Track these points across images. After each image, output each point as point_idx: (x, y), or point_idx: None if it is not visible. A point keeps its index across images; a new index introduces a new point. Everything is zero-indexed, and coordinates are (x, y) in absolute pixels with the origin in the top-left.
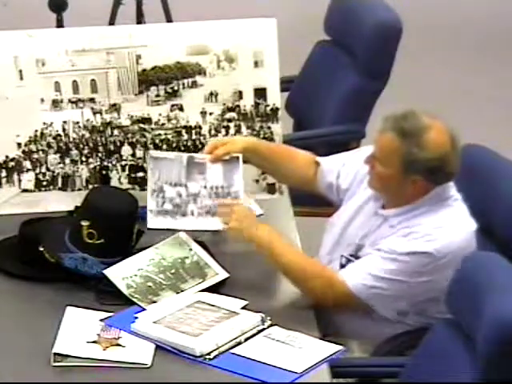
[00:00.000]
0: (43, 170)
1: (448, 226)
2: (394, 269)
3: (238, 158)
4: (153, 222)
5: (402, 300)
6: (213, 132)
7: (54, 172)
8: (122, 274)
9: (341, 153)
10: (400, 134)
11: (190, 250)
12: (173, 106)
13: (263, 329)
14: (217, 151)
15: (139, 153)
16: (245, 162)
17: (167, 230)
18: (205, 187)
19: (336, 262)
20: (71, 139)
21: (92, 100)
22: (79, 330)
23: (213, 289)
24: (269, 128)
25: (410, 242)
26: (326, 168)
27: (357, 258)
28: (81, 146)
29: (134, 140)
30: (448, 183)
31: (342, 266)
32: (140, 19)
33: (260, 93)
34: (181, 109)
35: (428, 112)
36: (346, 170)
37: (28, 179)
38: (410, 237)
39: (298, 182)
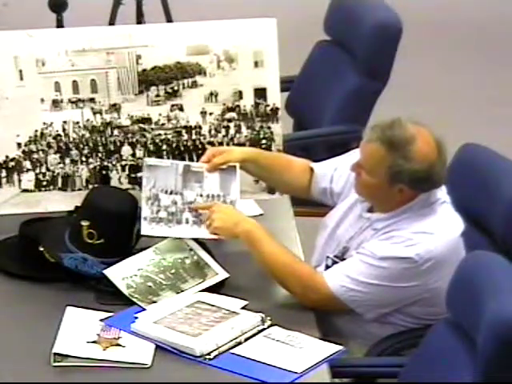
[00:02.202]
0: (43, 169)
1: (431, 231)
2: (374, 273)
3: (235, 167)
4: (147, 229)
5: (384, 304)
6: (213, 132)
7: (54, 172)
8: (122, 273)
9: (340, 153)
10: (386, 145)
11: (190, 250)
12: (173, 105)
13: (263, 329)
14: (215, 160)
15: (139, 153)
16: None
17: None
18: (201, 196)
19: (325, 262)
20: (71, 139)
21: (92, 100)
22: (79, 330)
23: (213, 289)
24: (269, 128)
25: (391, 246)
26: (320, 173)
27: (342, 259)
28: (81, 145)
29: (134, 140)
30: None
31: (328, 267)
32: (140, 19)
33: (260, 93)
34: (181, 109)
35: (414, 119)
36: (339, 174)
37: (28, 179)
38: (392, 241)
39: (294, 191)
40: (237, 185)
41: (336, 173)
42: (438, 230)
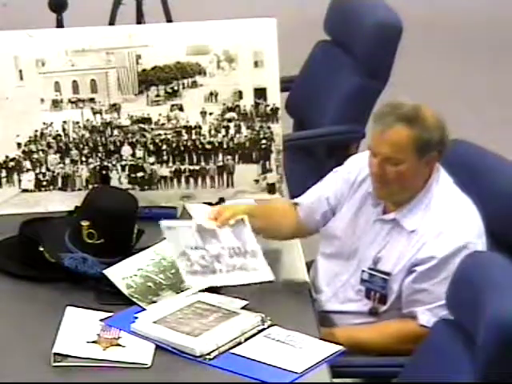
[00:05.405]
0: (43, 170)
1: (464, 207)
2: (448, 271)
3: (242, 219)
4: (191, 281)
5: None
6: (213, 132)
7: (54, 172)
8: (122, 273)
9: (340, 153)
10: (405, 122)
11: None
12: (173, 105)
13: (263, 329)
14: (224, 213)
15: (139, 153)
16: None
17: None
18: (223, 248)
19: (345, 273)
20: (71, 139)
21: (92, 100)
22: (79, 330)
23: (213, 289)
24: (269, 128)
25: (445, 240)
26: (312, 202)
27: (377, 270)
28: (81, 146)
29: (134, 140)
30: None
31: (364, 281)
32: (140, 19)
33: (260, 93)
34: (181, 109)
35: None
36: (331, 195)
37: (28, 179)
38: (442, 236)
39: (288, 232)
40: (250, 234)
41: (329, 194)
42: (467, 204)
